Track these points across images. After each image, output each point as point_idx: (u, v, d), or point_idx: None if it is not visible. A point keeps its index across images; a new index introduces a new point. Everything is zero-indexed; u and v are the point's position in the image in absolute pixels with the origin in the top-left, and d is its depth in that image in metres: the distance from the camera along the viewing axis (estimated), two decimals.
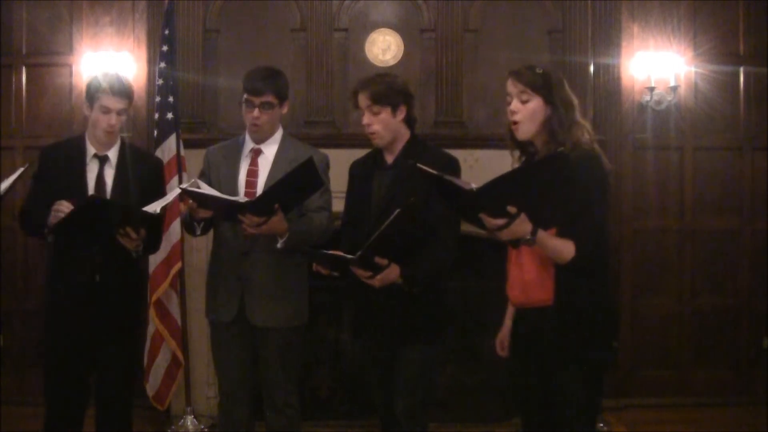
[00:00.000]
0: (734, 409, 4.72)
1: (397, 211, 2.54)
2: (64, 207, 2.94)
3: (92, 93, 3.13)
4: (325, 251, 2.81)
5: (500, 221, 2.27)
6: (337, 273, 2.81)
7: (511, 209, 2.25)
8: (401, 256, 2.69)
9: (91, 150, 3.17)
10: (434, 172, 2.39)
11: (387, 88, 2.89)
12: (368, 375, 3.07)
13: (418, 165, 2.43)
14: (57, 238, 3.08)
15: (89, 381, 3.23)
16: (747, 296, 4.92)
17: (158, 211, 2.96)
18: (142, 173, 3.22)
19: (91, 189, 3.12)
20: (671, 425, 4.55)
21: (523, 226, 2.28)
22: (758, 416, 4.50)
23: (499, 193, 2.25)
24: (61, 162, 3.15)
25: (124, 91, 3.14)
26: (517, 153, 2.61)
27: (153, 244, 3.20)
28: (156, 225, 3.08)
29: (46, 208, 3.00)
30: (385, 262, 2.67)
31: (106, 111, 3.11)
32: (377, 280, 2.69)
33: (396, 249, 2.67)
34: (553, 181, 2.24)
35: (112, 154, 3.19)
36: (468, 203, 2.33)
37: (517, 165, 2.61)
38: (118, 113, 3.13)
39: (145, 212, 2.93)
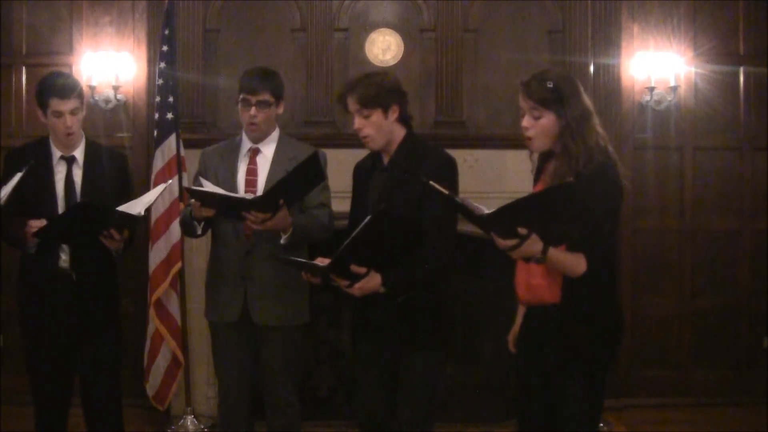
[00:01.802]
0: (734, 409, 4.72)
1: (368, 217, 2.48)
2: (34, 226, 2.96)
3: (41, 99, 3.11)
4: (301, 259, 2.75)
5: (511, 242, 2.27)
6: (318, 281, 2.75)
7: (522, 230, 2.25)
8: (383, 263, 2.61)
9: (56, 153, 3.18)
10: (446, 192, 2.37)
11: (376, 90, 2.78)
12: (363, 381, 2.97)
13: (431, 183, 2.39)
14: (39, 242, 3.08)
15: (73, 379, 3.24)
16: (747, 296, 4.92)
17: (142, 213, 2.97)
18: (110, 171, 3.23)
19: (59, 191, 3.14)
20: (671, 425, 4.55)
21: (534, 246, 2.28)
22: (758, 416, 4.50)
23: (509, 218, 2.25)
24: (26, 164, 3.09)
25: (70, 91, 3.10)
26: (536, 155, 2.60)
27: (130, 242, 3.22)
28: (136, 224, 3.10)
29: (18, 214, 3.01)
30: (362, 270, 2.58)
31: (59, 115, 3.09)
32: (356, 289, 2.61)
33: (376, 256, 2.58)
34: (563, 207, 2.24)
35: (79, 154, 3.20)
36: (479, 225, 2.34)
37: (534, 165, 2.61)
38: (72, 113, 3.11)
39: (131, 215, 2.94)
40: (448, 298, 2.88)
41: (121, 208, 2.99)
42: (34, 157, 3.12)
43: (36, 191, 3.09)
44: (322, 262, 2.72)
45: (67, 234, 3.01)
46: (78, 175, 3.18)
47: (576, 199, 2.22)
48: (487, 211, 2.27)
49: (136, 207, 3.00)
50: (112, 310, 3.30)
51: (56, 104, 3.08)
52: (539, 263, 2.34)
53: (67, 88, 3.10)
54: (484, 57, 4.73)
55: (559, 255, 2.33)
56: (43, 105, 3.12)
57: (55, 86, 3.09)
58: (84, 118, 3.24)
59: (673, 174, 4.89)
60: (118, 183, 3.23)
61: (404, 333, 2.78)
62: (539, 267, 2.43)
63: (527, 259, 2.37)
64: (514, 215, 2.25)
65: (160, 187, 3.20)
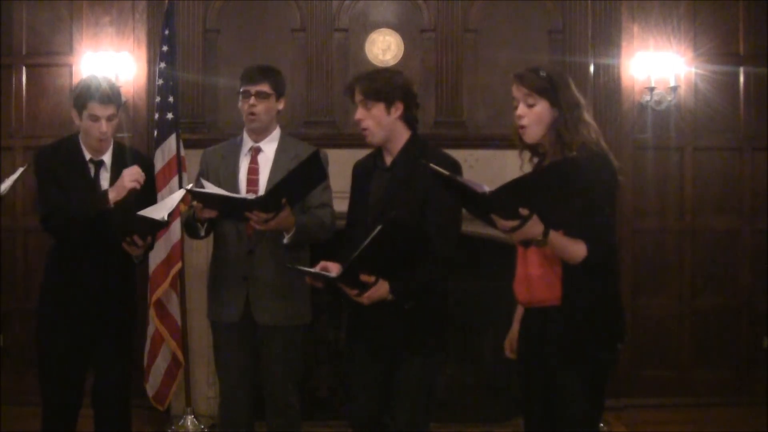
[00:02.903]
0: (734, 409, 4.72)
1: (379, 227, 2.46)
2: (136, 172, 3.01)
3: (79, 101, 3.08)
4: (309, 269, 2.75)
5: (512, 223, 2.27)
6: (324, 288, 2.74)
7: (523, 211, 2.25)
8: (391, 270, 2.60)
9: (86, 155, 3.16)
10: (446, 173, 2.37)
11: (383, 84, 2.78)
12: (356, 382, 2.95)
13: (431, 165, 2.38)
14: (60, 244, 3.07)
15: (84, 381, 3.23)
16: (747, 296, 4.92)
17: (165, 218, 2.95)
18: None
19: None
20: (671, 425, 4.55)
21: (535, 227, 2.28)
22: (758, 416, 4.50)
23: (511, 196, 2.25)
24: (61, 165, 3.12)
25: (111, 97, 3.08)
26: (527, 154, 2.60)
27: (150, 247, 3.21)
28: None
29: (71, 207, 3.01)
30: (371, 279, 2.57)
31: (96, 119, 3.07)
32: (365, 298, 2.60)
33: (384, 264, 2.57)
34: (565, 184, 2.25)
35: (107, 158, 3.18)
36: (480, 205, 2.33)
37: (527, 166, 2.61)
38: (108, 119, 3.08)
39: (156, 221, 2.93)
40: (446, 299, 2.87)
41: (143, 213, 2.96)
42: (66, 158, 3.11)
43: (79, 190, 3.07)
44: (326, 268, 2.72)
45: (87, 240, 3.00)
46: (105, 179, 3.15)
47: (578, 175, 2.23)
48: (488, 189, 2.27)
49: (158, 212, 2.97)
50: (129, 315, 3.28)
51: (94, 108, 3.05)
52: (540, 246, 2.34)
53: (108, 93, 3.07)
54: (484, 57, 4.73)
55: (559, 238, 2.34)
56: (81, 107, 3.08)
57: (96, 90, 3.06)
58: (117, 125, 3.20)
59: (673, 174, 4.89)
60: (143, 188, 3.17)
61: (401, 336, 2.76)
62: (537, 257, 2.44)
63: (527, 244, 2.37)
64: (516, 193, 2.25)
65: (181, 192, 3.18)
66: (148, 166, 3.35)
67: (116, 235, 2.95)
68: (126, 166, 3.17)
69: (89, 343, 3.15)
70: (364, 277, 2.57)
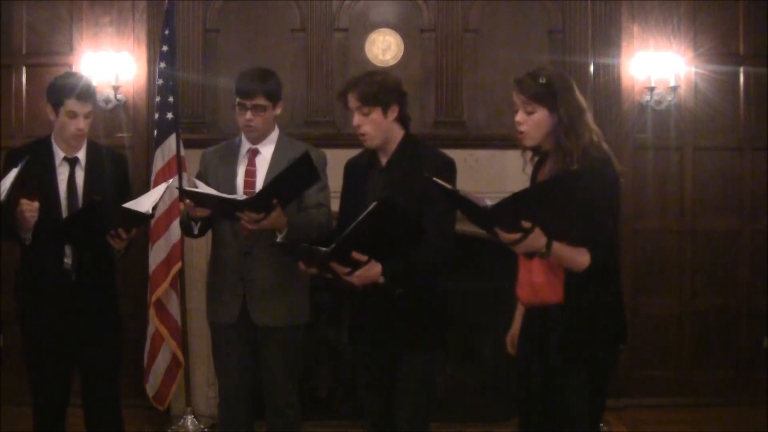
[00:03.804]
0: (734, 409, 4.72)
1: (373, 204, 2.49)
2: (32, 207, 2.93)
3: (57, 97, 3.09)
4: (302, 244, 2.74)
5: (515, 236, 2.28)
6: (316, 269, 2.74)
7: (526, 224, 2.26)
8: (385, 254, 2.61)
9: (59, 153, 3.16)
10: (449, 186, 2.38)
11: (377, 88, 2.78)
12: (361, 381, 3.00)
13: (434, 179, 2.40)
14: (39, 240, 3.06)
15: (71, 379, 3.23)
16: (747, 296, 4.92)
17: (150, 211, 2.97)
18: (112, 172, 3.22)
19: (62, 192, 3.12)
20: (671, 425, 4.55)
21: (537, 240, 2.29)
22: (758, 416, 4.50)
23: (512, 210, 2.26)
24: (29, 165, 3.07)
25: (89, 94, 3.11)
26: (528, 154, 2.61)
27: (134, 240, 3.20)
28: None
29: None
30: (364, 258, 2.58)
31: (73, 116, 3.08)
32: (356, 277, 2.61)
33: (377, 245, 2.58)
34: (565, 197, 2.26)
35: (81, 155, 3.18)
36: (482, 219, 2.34)
37: (529, 165, 2.62)
38: (85, 116, 3.10)
39: (142, 213, 2.94)
40: (445, 297, 2.89)
41: (128, 205, 2.97)
42: (36, 157, 3.09)
43: (39, 192, 3.05)
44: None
45: (75, 234, 3.00)
46: (80, 176, 3.16)
47: (580, 188, 2.23)
48: (490, 203, 2.27)
49: (142, 205, 2.99)
50: (111, 310, 3.29)
51: (73, 105, 3.07)
52: (543, 258, 2.34)
53: (86, 90, 3.10)
54: (484, 57, 4.73)
55: (563, 249, 2.34)
56: (57, 104, 3.09)
57: (73, 87, 3.08)
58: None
59: (673, 174, 4.89)
60: (117, 185, 3.22)
61: (402, 333, 2.78)
62: (541, 265, 2.44)
63: (530, 255, 2.38)
64: (518, 206, 2.26)
65: (163, 186, 3.19)
66: (121, 165, 3.34)
67: (102, 228, 2.95)
68: (101, 164, 3.19)
69: (73, 341, 3.15)
70: (356, 255, 2.57)
